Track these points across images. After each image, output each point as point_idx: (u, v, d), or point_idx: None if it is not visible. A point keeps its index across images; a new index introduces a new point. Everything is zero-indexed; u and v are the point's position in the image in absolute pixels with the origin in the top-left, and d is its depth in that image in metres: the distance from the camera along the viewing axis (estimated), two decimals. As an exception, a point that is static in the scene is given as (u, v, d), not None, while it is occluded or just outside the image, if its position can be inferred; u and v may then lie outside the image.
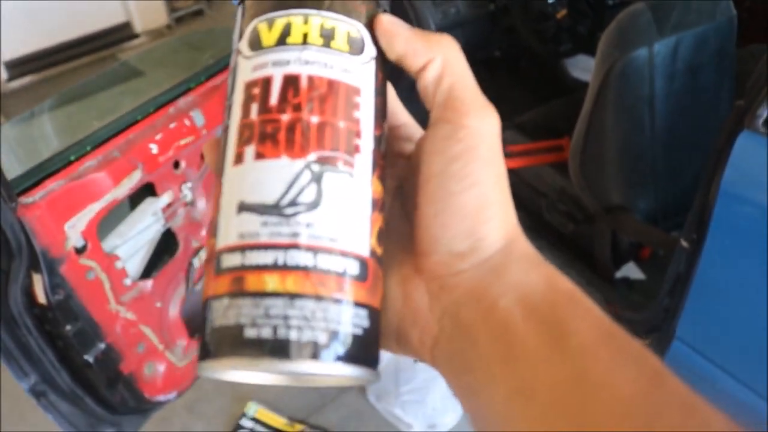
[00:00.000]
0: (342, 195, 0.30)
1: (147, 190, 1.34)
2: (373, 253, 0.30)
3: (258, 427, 1.96)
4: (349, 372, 0.28)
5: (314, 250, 0.28)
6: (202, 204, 1.45)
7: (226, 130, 0.32)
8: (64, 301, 1.14)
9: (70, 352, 1.19)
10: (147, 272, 1.37)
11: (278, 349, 0.27)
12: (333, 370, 0.28)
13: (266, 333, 0.27)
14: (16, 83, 3.99)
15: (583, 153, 1.67)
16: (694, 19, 1.55)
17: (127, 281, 1.29)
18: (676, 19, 1.52)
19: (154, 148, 1.29)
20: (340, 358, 0.28)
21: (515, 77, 2.64)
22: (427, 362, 0.33)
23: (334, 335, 0.28)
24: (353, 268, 0.29)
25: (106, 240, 1.26)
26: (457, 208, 0.31)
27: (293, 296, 0.27)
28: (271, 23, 0.32)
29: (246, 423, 1.97)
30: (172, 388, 1.46)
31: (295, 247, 0.28)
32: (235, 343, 0.28)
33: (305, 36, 0.31)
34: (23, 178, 1.11)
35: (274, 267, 0.28)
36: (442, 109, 0.32)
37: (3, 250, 1.05)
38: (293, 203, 0.29)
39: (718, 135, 1.17)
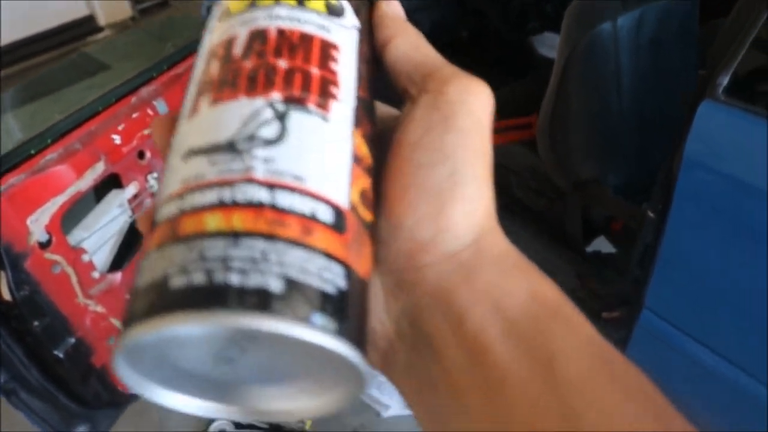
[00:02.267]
0: (312, 135, 0.24)
1: (112, 182, 1.32)
2: (354, 209, 0.24)
3: (236, 416, 1.96)
4: (315, 338, 0.21)
5: (272, 185, 0.22)
6: (169, 194, 1.44)
7: (184, 99, 0.28)
8: (30, 296, 1.13)
9: (40, 348, 1.18)
10: (116, 264, 1.36)
11: (214, 297, 0.20)
12: (289, 328, 0.20)
13: (198, 279, 0.20)
14: (-22, 81, 3.92)
15: (551, 129, 1.67)
16: (656, -8, 1.56)
17: (95, 274, 1.28)
18: (639, -8, 1.53)
19: (117, 139, 1.27)
20: (301, 316, 0.21)
21: (483, 57, 2.64)
22: (377, 368, 0.28)
23: (293, 285, 0.21)
24: (325, 213, 0.23)
25: (71, 233, 1.24)
26: (425, 184, 0.26)
27: (239, 234, 0.21)
28: None
29: (225, 413, 1.97)
30: (146, 380, 1.45)
31: (248, 181, 0.22)
32: (158, 298, 0.21)
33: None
34: (-18, 173, 1.09)
35: (219, 205, 0.22)
36: (421, 81, 0.28)
37: (-37, 246, 1.03)
38: (250, 138, 0.23)
39: (680, 106, 1.18)
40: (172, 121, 0.28)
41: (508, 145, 2.06)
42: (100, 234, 1.29)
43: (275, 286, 0.21)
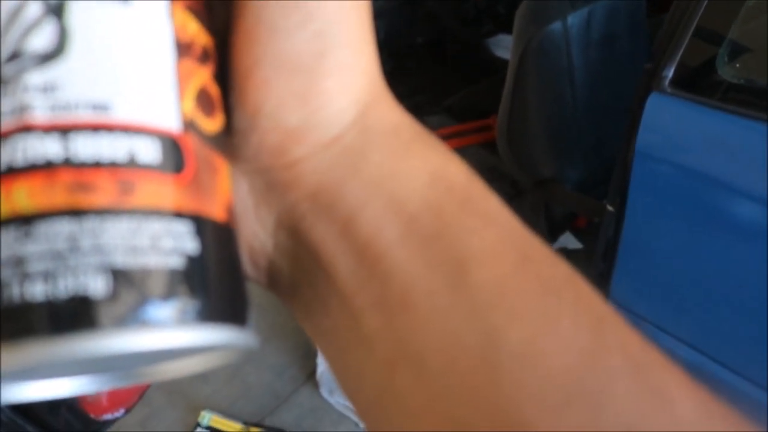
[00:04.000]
0: (107, 32, 0.17)
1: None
2: (191, 125, 0.18)
3: (214, 436, 1.94)
4: (170, 339, 0.16)
5: (63, 129, 0.16)
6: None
7: None
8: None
9: (4, 380, 1.16)
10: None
11: (16, 323, 0.15)
12: (133, 341, 0.15)
13: (29, 289, 0.15)
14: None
15: (509, 130, 1.69)
16: (603, -11, 1.59)
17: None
18: (586, -10, 1.56)
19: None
20: (143, 319, 0.15)
21: (440, 62, 2.66)
22: (265, 287, 0.23)
23: (122, 279, 0.15)
24: (148, 150, 0.17)
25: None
26: (283, 55, 0.19)
27: (30, 219, 0.15)
28: None
29: (201, 433, 1.95)
30: (118, 405, 1.43)
31: (25, 129, 0.16)
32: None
33: None
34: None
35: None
36: None
37: None
38: (16, 55, 0.16)
39: (632, 99, 1.20)
40: None
41: (469, 148, 2.07)
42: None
43: (97, 287, 0.15)
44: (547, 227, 1.83)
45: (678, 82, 1.11)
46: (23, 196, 0.15)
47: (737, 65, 1.14)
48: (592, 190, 1.72)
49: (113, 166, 0.16)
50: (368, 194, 0.20)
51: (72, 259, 0.15)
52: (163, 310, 0.16)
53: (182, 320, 0.16)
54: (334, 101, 0.20)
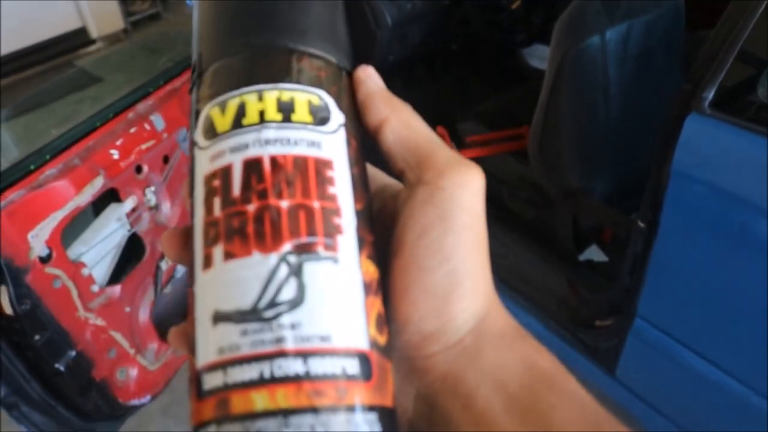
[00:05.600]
0: (328, 285, 0.26)
1: (110, 196, 1.34)
2: (374, 344, 0.26)
3: (234, 427, 1.97)
4: None
5: (304, 354, 0.24)
6: (166, 207, 1.45)
7: (192, 230, 0.29)
8: (31, 311, 1.14)
9: (40, 361, 1.19)
10: (114, 278, 1.37)
11: None
12: None
13: None
14: (-31, 95, 3.91)
15: (541, 140, 1.70)
16: (643, 6, 1.59)
17: (95, 288, 1.29)
18: (626, 7, 1.56)
19: (115, 154, 1.29)
20: None
21: (473, 69, 2.66)
22: None
23: None
24: (353, 367, 0.25)
25: (71, 248, 1.26)
26: (426, 286, 0.28)
27: (287, 413, 0.23)
28: (223, 107, 0.29)
29: (222, 424, 1.98)
30: (145, 391, 1.46)
31: (281, 354, 0.24)
32: None
33: (262, 114, 0.28)
34: (-17, 189, 1.10)
35: (261, 381, 0.24)
36: (416, 170, 0.30)
37: (-34, 262, 1.04)
38: (273, 304, 0.25)
39: (665, 118, 1.21)
40: (181, 236, 0.31)
41: (500, 156, 2.08)
42: (99, 248, 1.31)
43: None
44: (575, 239, 1.84)
45: (718, 104, 1.12)
46: (281, 397, 0.24)
47: (778, 89, 1.14)
48: (620, 203, 1.72)
49: (334, 378, 0.24)
50: (482, 379, 0.28)
51: None
52: None
53: None
54: (459, 317, 0.29)
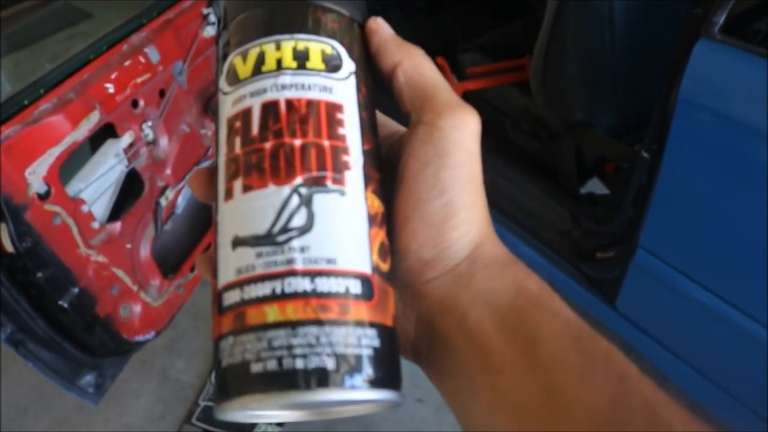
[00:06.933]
0: (335, 214, 0.29)
1: (107, 132, 1.31)
2: (376, 269, 0.30)
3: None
4: (366, 396, 0.27)
5: (311, 274, 0.28)
6: (164, 142, 1.43)
7: (216, 167, 0.32)
8: (32, 248, 1.14)
9: (44, 299, 1.19)
10: (115, 214, 1.36)
11: (286, 380, 0.26)
12: (347, 395, 0.27)
13: (272, 365, 0.26)
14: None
15: (544, 71, 1.67)
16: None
17: (95, 224, 1.28)
18: (632, -70, 1.51)
19: (111, 88, 1.26)
20: (351, 383, 0.27)
21: (474, -1, 2.60)
22: (411, 360, 0.35)
23: (342, 359, 0.27)
24: (355, 287, 0.28)
25: (69, 184, 1.24)
26: (424, 216, 0.32)
27: (295, 324, 0.27)
28: (245, 55, 0.32)
29: (226, 358, 2.00)
30: (149, 328, 1.47)
31: (291, 273, 0.28)
32: (243, 381, 0.27)
33: (279, 61, 0.31)
34: (-24, 125, 1.08)
35: (273, 297, 0.27)
36: (419, 111, 0.33)
37: (-36, 200, 1.03)
38: (285, 230, 0.28)
39: (674, 46, 1.18)
40: (206, 174, 0.34)
41: (502, 87, 2.04)
42: (97, 184, 1.29)
43: (330, 364, 0.26)
44: (577, 171, 1.82)
45: (728, 29, 1.09)
46: (291, 310, 0.27)
47: (790, 14, 1.11)
48: (624, 136, 1.70)
49: (338, 296, 0.28)
50: (474, 301, 0.31)
51: (317, 348, 0.26)
52: (362, 379, 0.27)
53: (370, 385, 0.27)
54: (455, 245, 0.32)
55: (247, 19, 0.33)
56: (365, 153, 0.31)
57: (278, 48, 0.32)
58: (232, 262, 0.29)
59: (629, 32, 1.56)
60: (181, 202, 1.54)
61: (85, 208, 1.25)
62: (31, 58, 1.88)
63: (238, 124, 0.31)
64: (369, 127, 0.33)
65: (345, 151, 0.30)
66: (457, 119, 0.32)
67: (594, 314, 1.75)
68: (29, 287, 1.16)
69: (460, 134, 0.32)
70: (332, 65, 0.32)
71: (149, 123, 1.37)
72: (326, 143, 0.30)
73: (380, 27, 0.36)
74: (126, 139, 1.33)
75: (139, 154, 1.37)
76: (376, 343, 0.28)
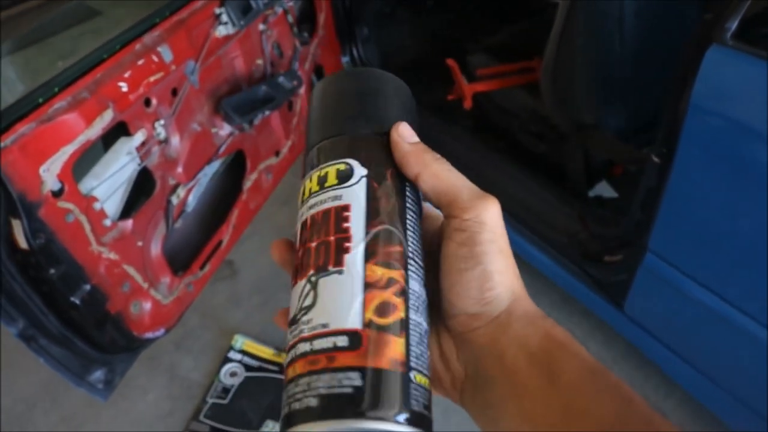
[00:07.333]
0: (333, 289, 0.37)
1: (120, 130, 1.32)
2: (369, 324, 0.36)
3: (246, 359, 2.00)
4: (337, 426, 0.33)
5: (311, 338, 0.36)
6: (175, 141, 1.44)
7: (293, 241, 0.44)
8: (45, 245, 1.14)
9: (56, 295, 1.20)
10: (126, 212, 1.37)
11: (294, 417, 0.34)
12: (322, 427, 0.33)
13: (295, 406, 0.35)
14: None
15: (554, 73, 1.67)
16: (661, -68, 1.54)
17: (107, 222, 1.29)
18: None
19: (124, 87, 1.27)
20: (323, 415, 0.33)
21: (482, 0, 2.60)
22: (455, 401, 0.43)
23: (320, 398, 0.34)
24: (342, 341, 0.35)
25: (82, 182, 1.25)
26: (466, 282, 0.40)
27: (299, 376, 0.35)
28: (302, 187, 0.43)
29: (234, 355, 2.01)
30: (159, 325, 1.48)
31: (300, 341, 0.36)
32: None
33: (309, 189, 0.42)
34: (-8, 123, 1.09)
35: (293, 359, 0.36)
36: (447, 209, 0.41)
37: (-20, 196, 1.04)
38: (300, 310, 0.37)
39: (686, 49, 1.18)
40: (287, 245, 0.45)
41: (511, 89, 2.05)
42: (110, 182, 1.30)
43: (312, 402, 0.34)
44: (585, 174, 1.83)
45: (741, 35, 1.09)
46: (299, 367, 0.36)
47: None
48: (633, 138, 1.70)
49: (326, 350, 0.35)
50: (511, 344, 0.39)
51: (307, 392, 0.34)
52: (335, 411, 0.34)
53: (356, 416, 0.33)
54: (494, 301, 0.40)
55: (310, 153, 0.45)
56: (372, 234, 0.39)
57: (310, 179, 0.42)
58: (290, 335, 0.38)
59: (639, 35, 1.56)
60: (192, 200, 1.55)
61: (97, 206, 1.26)
62: (41, 56, 1.89)
63: (295, 237, 0.42)
64: (379, 212, 0.40)
65: (347, 239, 0.38)
66: (479, 210, 0.40)
67: (601, 317, 1.75)
68: (42, 283, 1.17)
69: (485, 219, 0.40)
70: (343, 177, 0.41)
71: (161, 122, 1.38)
72: (332, 238, 0.39)
73: (401, 138, 0.43)
74: (138, 137, 1.34)
75: (151, 152, 1.38)
76: (357, 382, 0.34)
